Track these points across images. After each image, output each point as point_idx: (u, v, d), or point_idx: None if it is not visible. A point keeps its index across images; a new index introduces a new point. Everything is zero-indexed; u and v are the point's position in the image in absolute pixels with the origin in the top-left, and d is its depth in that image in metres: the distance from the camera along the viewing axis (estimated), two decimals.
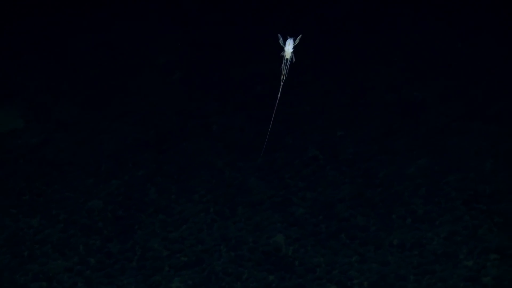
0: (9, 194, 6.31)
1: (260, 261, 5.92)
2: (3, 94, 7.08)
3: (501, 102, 6.89)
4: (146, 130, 6.82)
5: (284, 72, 5.35)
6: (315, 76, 7.14)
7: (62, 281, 5.78)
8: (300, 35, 5.29)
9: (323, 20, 7.58)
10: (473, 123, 6.76)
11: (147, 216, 6.25)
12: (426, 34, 7.34)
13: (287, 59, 5.35)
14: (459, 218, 6.15)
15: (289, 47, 5.30)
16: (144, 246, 6.06)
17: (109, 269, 5.86)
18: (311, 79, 7.17)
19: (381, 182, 6.46)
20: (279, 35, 5.25)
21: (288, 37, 5.34)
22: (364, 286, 5.77)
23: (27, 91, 7.11)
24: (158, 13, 7.65)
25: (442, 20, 7.42)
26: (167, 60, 7.29)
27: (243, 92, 7.06)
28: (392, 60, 7.22)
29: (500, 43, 7.28)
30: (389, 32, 7.40)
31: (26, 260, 5.86)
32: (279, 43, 5.28)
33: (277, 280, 5.81)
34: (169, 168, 6.61)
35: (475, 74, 7.10)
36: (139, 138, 6.77)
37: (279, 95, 5.60)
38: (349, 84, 7.07)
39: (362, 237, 6.08)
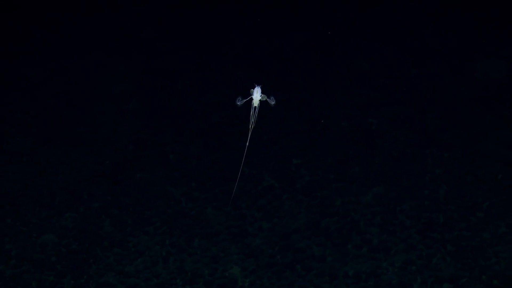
0: None
1: None
2: None
3: (454, 129, 6.88)
4: (101, 161, 6.66)
5: (252, 120, 5.22)
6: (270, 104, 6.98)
7: None
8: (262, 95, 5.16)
9: (278, 48, 7.48)
10: (427, 149, 6.73)
11: (102, 249, 6.08)
12: (379, 60, 7.29)
13: (255, 107, 5.22)
14: (414, 247, 6.10)
15: (257, 95, 5.18)
16: (98, 281, 5.90)
17: None
18: (266, 107, 7.05)
19: (337, 210, 6.39)
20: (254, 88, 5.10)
21: (256, 85, 5.23)
22: None
23: None
24: (112, 41, 7.47)
25: (395, 46, 7.38)
26: (121, 89, 7.11)
27: (199, 120, 6.92)
28: (347, 87, 7.14)
29: (453, 69, 7.27)
30: (343, 58, 7.33)
31: None
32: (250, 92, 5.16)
33: None
34: (125, 199, 6.44)
35: (429, 101, 7.09)
36: (94, 169, 6.60)
37: (247, 144, 5.47)
38: (304, 112, 6.98)
39: (317, 268, 5.99)
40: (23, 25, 7.45)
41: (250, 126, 5.32)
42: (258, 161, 6.73)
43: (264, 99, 5.16)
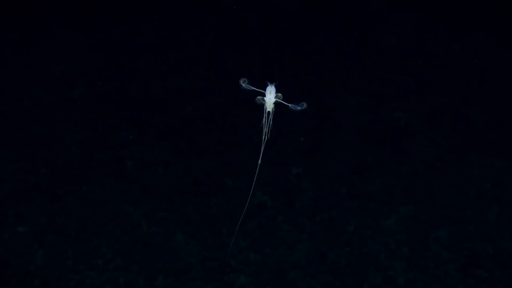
0: None
1: None
2: None
3: (509, 128, 6.27)
4: (35, 169, 6.22)
5: (266, 129, 5.05)
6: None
7: None
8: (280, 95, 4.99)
9: (272, 10, 6.85)
10: (472, 155, 6.27)
11: None
12: (409, 32, 6.66)
13: (268, 111, 5.04)
14: None
15: (271, 96, 5.00)
16: None
17: None
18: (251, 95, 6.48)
19: (350, 238, 5.98)
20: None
21: (269, 83, 5.01)
22: None
23: None
24: (52, 3, 6.87)
25: (431, 12, 6.75)
26: (63, 70, 6.53)
27: (167, 115, 6.37)
28: (366, 69, 6.55)
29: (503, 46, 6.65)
30: (361, 29, 6.71)
31: None
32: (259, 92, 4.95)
33: None
34: (65, 221, 6.04)
35: (476, 89, 6.49)
36: (23, 180, 6.17)
37: (259, 161, 5.20)
38: (308, 102, 6.38)
39: None
40: None
41: (263, 137, 5.16)
42: (245, 170, 6.25)
43: (281, 99, 4.96)
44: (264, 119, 5.15)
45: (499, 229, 5.99)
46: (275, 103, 5.10)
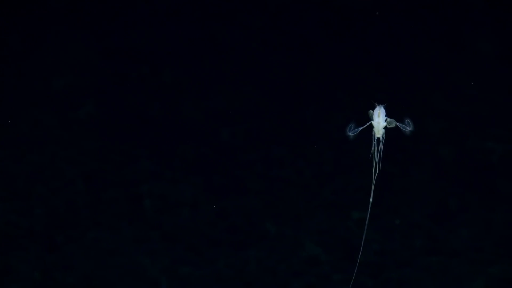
0: None
1: None
2: None
3: None
4: (29, 209, 6.35)
5: (375, 160, 5.24)
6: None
7: None
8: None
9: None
10: None
11: None
12: (500, 38, 6.56)
13: (378, 138, 5.28)
14: None
15: (380, 120, 5.21)
16: None
17: None
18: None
19: None
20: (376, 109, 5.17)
21: (377, 105, 5.26)
22: None
23: None
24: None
25: None
26: (67, 83, 6.59)
27: (197, 142, 6.50)
28: (454, 86, 6.48)
29: None
30: (453, 34, 6.64)
31: None
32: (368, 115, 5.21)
33: None
34: (65, 277, 6.15)
35: None
36: (15, 223, 6.29)
37: (371, 199, 5.34)
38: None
39: None
40: None
41: (373, 171, 5.30)
42: (293, 214, 6.25)
43: (393, 125, 5.20)
44: (373, 147, 5.22)
45: None
46: (386, 128, 5.27)
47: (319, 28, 7.02)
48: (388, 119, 5.23)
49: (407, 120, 5.24)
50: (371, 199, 5.44)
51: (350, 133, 5.20)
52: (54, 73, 6.85)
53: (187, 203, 6.46)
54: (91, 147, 6.64)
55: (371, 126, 5.28)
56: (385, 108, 5.21)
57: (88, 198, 6.45)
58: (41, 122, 6.69)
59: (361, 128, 5.20)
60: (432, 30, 6.92)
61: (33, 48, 6.90)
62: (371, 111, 5.28)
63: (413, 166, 6.52)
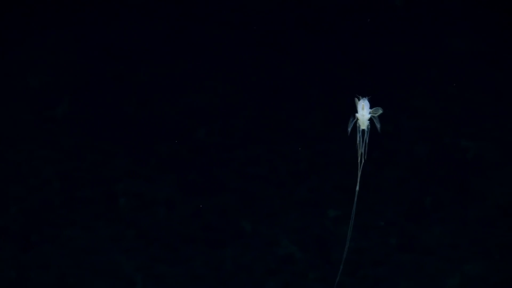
0: None
1: None
2: None
3: None
4: (3, 208, 6.31)
5: (360, 151, 5.44)
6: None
7: None
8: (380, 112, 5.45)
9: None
10: None
11: None
12: (478, 32, 6.58)
13: (363, 130, 5.47)
14: None
15: (364, 112, 5.43)
16: None
17: None
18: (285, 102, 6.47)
19: None
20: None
21: (361, 97, 5.49)
22: None
23: None
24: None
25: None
26: (43, 82, 6.57)
27: (173, 140, 6.51)
28: (429, 83, 6.49)
29: None
30: (424, 31, 6.66)
31: None
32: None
33: None
34: (40, 276, 6.18)
35: None
36: None
37: (357, 188, 5.51)
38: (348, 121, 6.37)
39: None
40: None
41: (359, 161, 5.51)
42: (269, 212, 6.29)
43: (380, 111, 5.44)
44: (358, 139, 5.45)
45: None
46: (370, 120, 5.54)
47: (295, 25, 7.03)
48: (373, 109, 5.34)
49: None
50: (357, 188, 5.53)
51: (349, 129, 5.31)
52: (30, 71, 6.83)
53: (163, 202, 6.45)
54: (67, 146, 6.61)
55: (356, 118, 5.43)
56: (369, 101, 5.38)
57: (63, 196, 6.42)
58: (17, 120, 6.66)
59: (353, 121, 5.31)
60: (407, 28, 6.93)
61: (9, 46, 6.88)
62: (356, 99, 5.42)
63: (388, 164, 6.54)
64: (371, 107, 5.60)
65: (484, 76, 6.83)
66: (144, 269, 6.25)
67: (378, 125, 5.52)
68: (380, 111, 5.52)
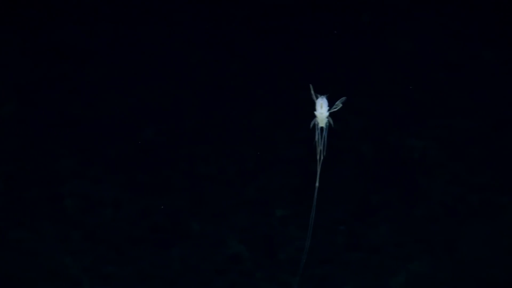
0: None
1: None
2: None
3: None
4: None
5: (320, 147, 5.50)
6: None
7: None
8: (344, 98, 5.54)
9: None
10: (505, 197, 6.31)
11: None
12: (426, 31, 6.65)
13: (322, 127, 5.55)
14: None
15: (322, 110, 5.54)
16: None
17: None
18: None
19: None
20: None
21: (319, 96, 5.55)
22: None
23: None
24: None
25: (458, 17, 6.75)
26: None
27: (120, 140, 6.50)
28: (374, 83, 6.56)
29: None
30: (375, 36, 6.71)
31: None
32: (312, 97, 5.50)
33: None
34: None
35: None
36: None
37: (317, 184, 5.52)
38: (299, 124, 6.38)
39: None
40: None
41: (318, 159, 5.55)
42: (217, 212, 6.29)
43: (340, 105, 5.51)
44: (317, 136, 5.52)
45: None
46: (329, 117, 5.62)
47: (241, 25, 7.05)
48: (330, 109, 5.45)
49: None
50: (317, 184, 5.58)
51: (311, 125, 5.39)
52: None
53: (110, 202, 6.42)
54: (12, 146, 6.59)
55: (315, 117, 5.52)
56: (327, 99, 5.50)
57: (8, 197, 6.36)
58: None
59: (314, 121, 5.40)
60: (353, 28, 6.98)
61: None
62: (313, 93, 5.50)
63: (335, 162, 6.59)
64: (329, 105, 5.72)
65: (429, 76, 6.91)
66: (91, 270, 6.22)
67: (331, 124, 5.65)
68: (340, 104, 5.61)
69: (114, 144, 6.58)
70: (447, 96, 6.79)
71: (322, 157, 5.63)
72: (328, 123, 5.59)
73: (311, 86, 5.52)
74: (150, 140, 6.62)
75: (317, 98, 5.61)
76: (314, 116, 5.52)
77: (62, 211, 6.35)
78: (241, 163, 6.57)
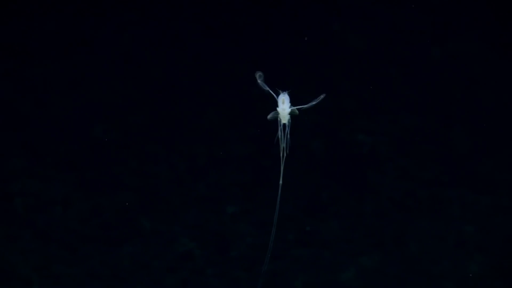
0: None
1: None
2: None
3: (500, 155, 6.34)
4: None
5: (283, 145, 5.55)
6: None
7: None
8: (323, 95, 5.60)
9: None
10: (451, 191, 6.40)
11: None
12: (376, 30, 6.72)
13: (284, 124, 5.59)
14: None
15: (284, 106, 5.54)
16: None
17: None
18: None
19: None
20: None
21: (281, 91, 5.59)
22: None
23: None
24: None
25: (407, 14, 6.81)
26: None
27: (70, 138, 6.46)
28: (323, 79, 6.59)
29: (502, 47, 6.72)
30: (325, 33, 6.75)
31: None
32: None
33: None
34: None
35: (460, 108, 6.58)
36: None
37: (280, 182, 5.58)
38: (251, 120, 6.40)
39: None
40: None
41: (281, 155, 5.61)
42: (168, 210, 6.32)
43: (295, 112, 5.59)
44: (279, 132, 5.54)
45: (484, 286, 6.14)
46: (291, 114, 5.64)
47: (192, 22, 7.06)
48: (292, 107, 5.49)
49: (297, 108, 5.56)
50: (280, 182, 5.61)
51: (258, 80, 5.41)
52: None
53: (60, 201, 6.41)
54: None
55: (276, 114, 5.56)
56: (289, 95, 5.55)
57: None
58: None
59: (268, 89, 5.44)
60: (303, 26, 7.03)
61: None
62: (261, 82, 5.54)
63: (286, 159, 6.61)
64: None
65: (379, 72, 6.97)
66: (41, 269, 6.21)
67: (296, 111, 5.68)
68: (297, 112, 5.66)
69: (63, 143, 6.57)
70: (396, 92, 6.87)
71: (285, 154, 5.70)
72: (290, 120, 5.64)
73: (258, 76, 5.55)
74: (100, 138, 6.63)
75: (278, 94, 5.64)
76: (276, 112, 5.58)
77: (12, 210, 6.33)
78: (192, 160, 6.60)
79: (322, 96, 5.56)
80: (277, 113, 5.52)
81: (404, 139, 6.65)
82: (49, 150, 6.52)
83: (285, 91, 5.58)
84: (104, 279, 6.23)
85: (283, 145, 5.60)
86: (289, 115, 5.56)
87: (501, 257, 6.31)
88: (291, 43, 6.96)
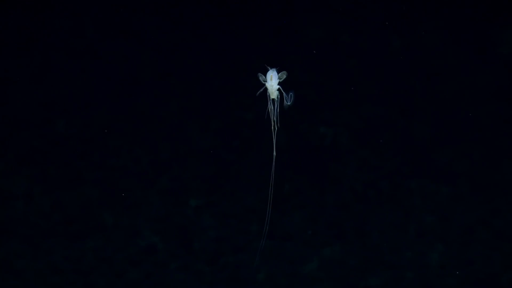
0: None
1: None
2: None
3: (459, 146, 6.42)
4: None
5: (274, 118, 5.68)
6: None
7: None
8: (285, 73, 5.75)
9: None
10: (412, 181, 6.45)
11: None
12: (335, 25, 6.74)
13: (273, 99, 5.71)
14: None
15: (272, 82, 5.69)
16: None
17: None
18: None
19: None
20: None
21: (270, 68, 5.73)
22: None
23: None
24: None
25: (366, 2, 6.83)
26: None
27: (30, 132, 6.42)
28: (281, 71, 6.60)
29: (466, 41, 6.77)
30: (281, 22, 6.75)
31: None
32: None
33: None
34: None
35: (420, 98, 6.62)
36: None
37: (274, 153, 5.62)
38: (212, 114, 6.39)
39: None
40: None
41: (273, 129, 5.70)
42: (131, 204, 6.30)
43: (284, 76, 5.74)
44: (268, 107, 5.66)
45: (444, 275, 6.21)
46: (279, 90, 5.77)
47: (152, 14, 7.04)
48: (280, 74, 5.60)
49: (290, 94, 5.56)
50: (274, 153, 5.68)
51: (257, 94, 5.76)
52: None
53: (21, 196, 6.36)
54: None
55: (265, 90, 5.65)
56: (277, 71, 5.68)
57: None
58: None
59: (260, 91, 5.52)
60: (267, 16, 7.03)
61: None
62: (261, 74, 5.60)
63: (248, 151, 6.63)
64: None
65: (339, 64, 7.00)
66: (2, 264, 6.18)
67: (287, 102, 5.71)
68: (284, 76, 5.72)
69: (24, 137, 6.54)
70: (357, 84, 6.90)
71: (276, 128, 5.77)
72: (279, 95, 5.72)
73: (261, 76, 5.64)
74: (61, 132, 6.60)
75: (267, 70, 5.76)
76: (264, 88, 5.64)
77: None
78: (155, 153, 6.59)
79: (291, 94, 5.66)
80: (266, 89, 5.60)
81: (365, 130, 6.70)
82: (9, 144, 6.50)
83: (274, 68, 5.64)
84: (66, 273, 6.21)
85: (274, 119, 5.74)
86: (277, 91, 5.70)
87: (461, 246, 6.40)
88: (246, 34, 6.97)
